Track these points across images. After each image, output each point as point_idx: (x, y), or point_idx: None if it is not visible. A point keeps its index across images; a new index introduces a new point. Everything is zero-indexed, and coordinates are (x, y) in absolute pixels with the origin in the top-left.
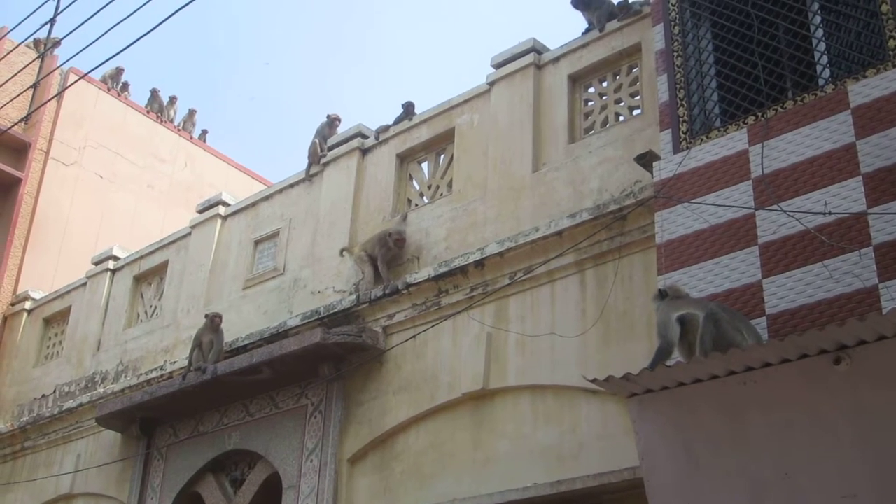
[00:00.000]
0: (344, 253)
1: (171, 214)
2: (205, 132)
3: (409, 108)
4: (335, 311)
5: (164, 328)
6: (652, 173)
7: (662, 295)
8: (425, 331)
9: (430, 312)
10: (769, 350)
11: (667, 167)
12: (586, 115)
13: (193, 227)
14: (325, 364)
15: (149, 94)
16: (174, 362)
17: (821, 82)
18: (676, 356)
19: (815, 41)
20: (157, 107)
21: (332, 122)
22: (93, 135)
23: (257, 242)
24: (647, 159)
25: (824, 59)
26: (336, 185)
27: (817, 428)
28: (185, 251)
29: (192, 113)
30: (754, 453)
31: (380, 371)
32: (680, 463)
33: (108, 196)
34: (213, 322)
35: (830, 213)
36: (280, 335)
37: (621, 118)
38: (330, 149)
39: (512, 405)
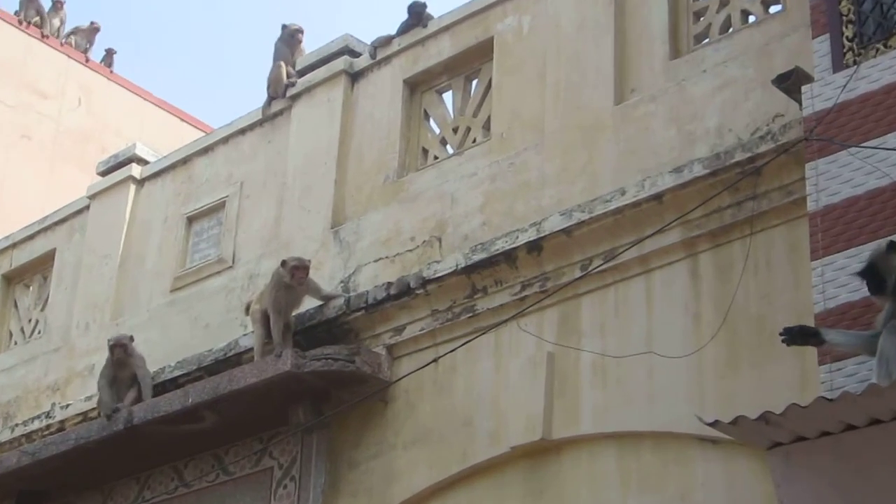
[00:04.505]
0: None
1: (57, 178)
2: (110, 53)
3: (419, 10)
4: (313, 322)
5: (49, 353)
6: (800, 103)
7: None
8: (452, 351)
9: (458, 323)
10: None
11: (823, 93)
12: (697, 15)
13: (93, 197)
14: (298, 405)
15: None
16: (66, 405)
17: None
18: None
19: None
20: (34, 14)
21: (293, 34)
22: None
23: (192, 220)
24: (792, 81)
25: None
26: (312, 129)
27: None
28: (81, 235)
29: (92, 28)
30: None
31: (383, 414)
32: None
33: None
34: (120, 352)
35: None
36: (229, 362)
37: (751, 18)
38: (301, 73)
39: (588, 464)
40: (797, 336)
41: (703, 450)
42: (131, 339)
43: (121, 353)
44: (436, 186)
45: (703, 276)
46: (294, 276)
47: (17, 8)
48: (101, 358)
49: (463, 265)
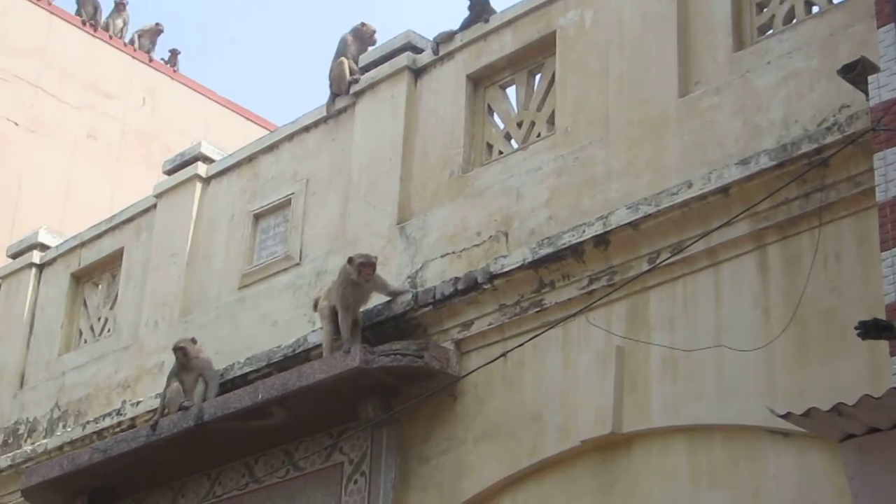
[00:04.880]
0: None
1: (123, 178)
2: (174, 54)
3: (481, 6)
4: (381, 318)
5: (119, 351)
6: (867, 93)
7: None
8: (521, 346)
9: (527, 318)
10: None
11: (890, 83)
12: (760, 7)
13: (159, 195)
14: (367, 401)
15: None
16: (137, 403)
17: None
18: None
19: None
20: (92, 11)
21: (363, 34)
22: None
23: (258, 217)
24: (857, 72)
25: None
26: (376, 126)
27: None
28: (148, 234)
29: (155, 30)
30: None
31: (452, 410)
32: None
33: (26, 152)
34: (185, 355)
35: None
36: (298, 358)
37: (815, 8)
38: (364, 70)
39: (658, 458)
40: (871, 330)
41: (774, 443)
42: (193, 340)
43: (181, 357)
44: (501, 181)
45: (772, 269)
46: (361, 272)
47: (76, 7)
48: (170, 356)
49: (530, 259)
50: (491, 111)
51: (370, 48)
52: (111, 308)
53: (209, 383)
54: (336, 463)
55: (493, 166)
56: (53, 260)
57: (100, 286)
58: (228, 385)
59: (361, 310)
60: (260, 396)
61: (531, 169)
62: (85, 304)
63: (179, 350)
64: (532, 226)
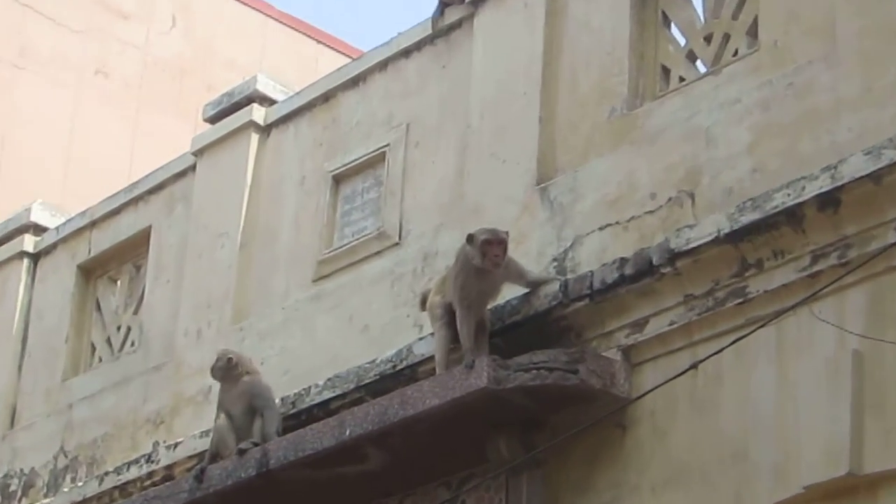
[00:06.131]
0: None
1: (147, 128)
2: None
3: None
4: (517, 318)
5: (148, 373)
6: None
7: None
8: (717, 353)
9: (723, 313)
10: None
11: None
12: None
13: (199, 153)
14: (500, 436)
15: None
16: (175, 445)
17: None
18: None
19: None
20: None
21: None
22: None
23: (339, 180)
24: None
25: None
26: (503, 47)
27: None
28: (185, 207)
29: None
30: None
31: (620, 445)
32: None
33: (10, 96)
34: (230, 368)
35: None
36: (400, 377)
37: None
38: None
39: None
40: None
41: None
42: (229, 361)
43: (230, 371)
44: (683, 120)
45: None
46: (487, 255)
47: None
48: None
49: (727, 230)
50: (667, 21)
51: None
52: (135, 312)
53: (265, 413)
54: None
55: (672, 99)
56: (53, 246)
57: (119, 282)
58: (303, 417)
59: (489, 307)
60: (348, 433)
61: (726, 102)
62: (98, 308)
63: (226, 360)
64: (728, 182)
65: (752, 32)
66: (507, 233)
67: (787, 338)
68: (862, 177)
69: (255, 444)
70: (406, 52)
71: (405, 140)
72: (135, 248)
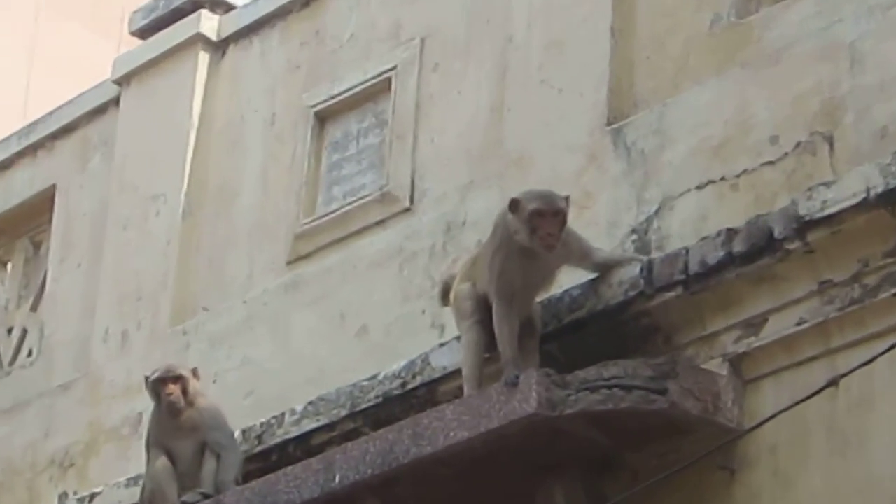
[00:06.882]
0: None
1: (49, 47)
2: None
3: None
4: (578, 314)
5: (51, 395)
6: None
7: None
8: (867, 364)
9: (874, 306)
10: None
11: None
12: None
13: (124, 80)
14: (556, 481)
15: None
16: (91, 497)
17: None
18: None
19: None
20: None
21: None
22: None
23: (324, 118)
24: None
25: None
26: None
27: None
28: (104, 157)
29: None
30: None
31: (727, 493)
32: None
33: None
34: (173, 397)
35: None
36: (413, 399)
37: None
38: None
39: None
40: None
41: None
42: (194, 372)
43: (176, 400)
44: (816, 33)
45: None
46: (538, 230)
47: None
48: (149, 401)
49: (880, 189)
50: None
51: None
52: (32, 309)
53: (220, 453)
54: None
55: (802, 2)
56: None
57: (9, 266)
58: (274, 457)
59: (539, 300)
60: (337, 479)
61: (878, 5)
62: None
63: (158, 387)
64: (882, 120)
65: None
66: (566, 198)
67: None
68: None
69: (206, 497)
70: None
71: (419, 61)
72: (32, 218)
